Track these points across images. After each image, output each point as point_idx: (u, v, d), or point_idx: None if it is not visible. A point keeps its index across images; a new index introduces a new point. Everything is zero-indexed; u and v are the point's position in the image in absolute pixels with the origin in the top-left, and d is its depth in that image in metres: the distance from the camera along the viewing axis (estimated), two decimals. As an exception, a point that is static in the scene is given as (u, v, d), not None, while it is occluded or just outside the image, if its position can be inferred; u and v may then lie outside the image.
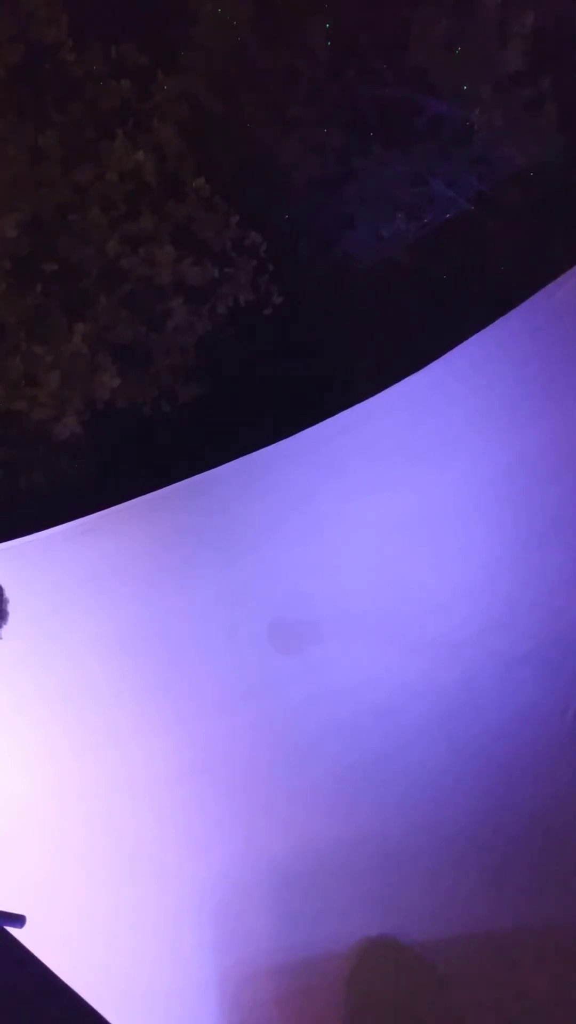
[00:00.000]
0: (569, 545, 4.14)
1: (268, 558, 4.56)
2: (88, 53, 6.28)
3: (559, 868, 3.62)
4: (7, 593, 3.22)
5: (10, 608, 3.25)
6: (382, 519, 4.43)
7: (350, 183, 7.30)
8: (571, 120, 6.74)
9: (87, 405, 6.25)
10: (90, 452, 7.02)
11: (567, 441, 4.24)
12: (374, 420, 4.61)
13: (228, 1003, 3.77)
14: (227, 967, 3.81)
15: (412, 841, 3.83)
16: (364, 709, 4.17)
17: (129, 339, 6.46)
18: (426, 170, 7.14)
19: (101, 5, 6.77)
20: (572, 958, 3.45)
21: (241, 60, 7.19)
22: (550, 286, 4.31)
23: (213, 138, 7.20)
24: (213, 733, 4.29)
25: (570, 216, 6.79)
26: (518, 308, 4.36)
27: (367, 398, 4.62)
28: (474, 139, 6.83)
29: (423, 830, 3.84)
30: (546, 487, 4.27)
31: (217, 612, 4.53)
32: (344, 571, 4.46)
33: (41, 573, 4.57)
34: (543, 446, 4.27)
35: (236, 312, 6.82)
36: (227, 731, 4.28)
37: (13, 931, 2.06)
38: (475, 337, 4.44)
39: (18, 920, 2.17)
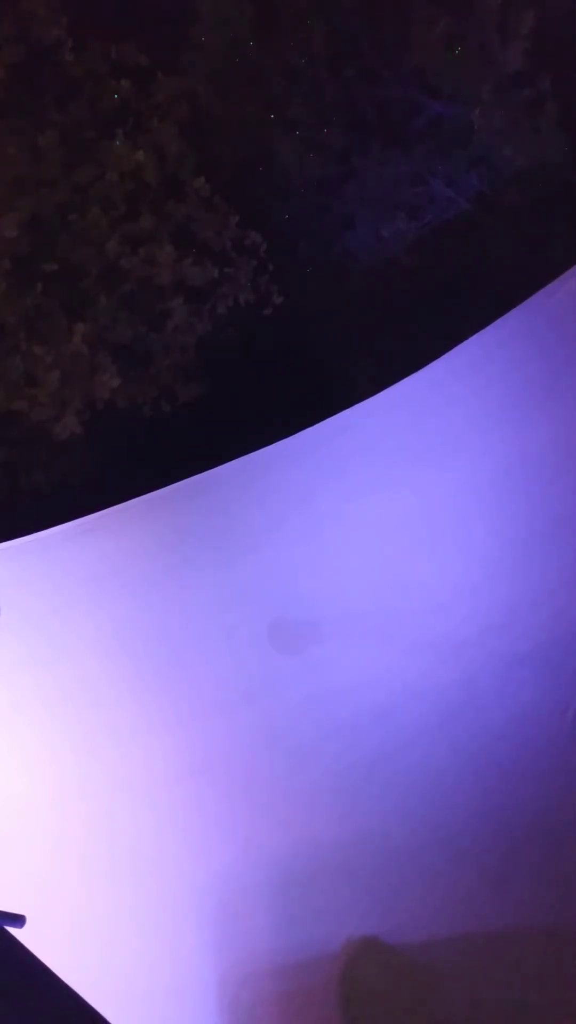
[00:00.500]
0: (569, 545, 4.14)
1: (268, 558, 4.56)
2: (88, 53, 6.28)
3: (559, 868, 3.62)
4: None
5: (8, 607, 3.25)
6: (382, 519, 4.43)
7: (350, 183, 7.29)
8: (571, 120, 6.74)
9: (87, 405, 6.25)
10: (90, 452, 7.02)
11: (567, 441, 4.24)
12: (374, 420, 4.61)
13: (228, 1003, 3.77)
14: (227, 967, 3.81)
15: (412, 841, 3.83)
16: (364, 709, 4.17)
17: (129, 339, 6.46)
18: (426, 170, 7.14)
19: (101, 5, 6.77)
20: (572, 958, 3.45)
21: (241, 60, 7.19)
22: (550, 286, 4.31)
23: (213, 138, 7.20)
24: (213, 733, 4.29)
25: (570, 216, 6.78)
26: (518, 308, 4.36)
27: (367, 398, 4.61)
28: (474, 139, 6.82)
29: (423, 830, 3.84)
30: (546, 487, 4.27)
31: (217, 612, 4.53)
32: (344, 571, 4.46)
33: (41, 573, 4.57)
34: (543, 446, 4.27)
35: (236, 312, 6.82)
36: (227, 731, 4.28)
37: (13, 931, 2.06)
38: (475, 337, 4.44)
39: (18, 920, 2.17)
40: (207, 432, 6.89)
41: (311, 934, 3.80)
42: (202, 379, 7.03)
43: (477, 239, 7.30)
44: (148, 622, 4.53)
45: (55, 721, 4.42)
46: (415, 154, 7.11)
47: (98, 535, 4.63)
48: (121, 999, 2.93)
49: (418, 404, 4.57)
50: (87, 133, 6.28)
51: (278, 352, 7.32)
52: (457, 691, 4.07)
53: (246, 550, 4.60)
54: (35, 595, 4.51)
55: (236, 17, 7.02)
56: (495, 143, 6.78)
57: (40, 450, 6.72)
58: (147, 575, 4.63)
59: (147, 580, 4.63)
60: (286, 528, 4.62)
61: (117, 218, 6.24)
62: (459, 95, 6.76)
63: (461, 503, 4.44)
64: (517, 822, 3.71)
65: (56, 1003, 1.84)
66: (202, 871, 4.01)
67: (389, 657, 4.24)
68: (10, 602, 4.28)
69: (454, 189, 7.17)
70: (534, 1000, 3.37)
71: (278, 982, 3.75)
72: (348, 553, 4.48)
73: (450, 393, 4.53)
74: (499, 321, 4.40)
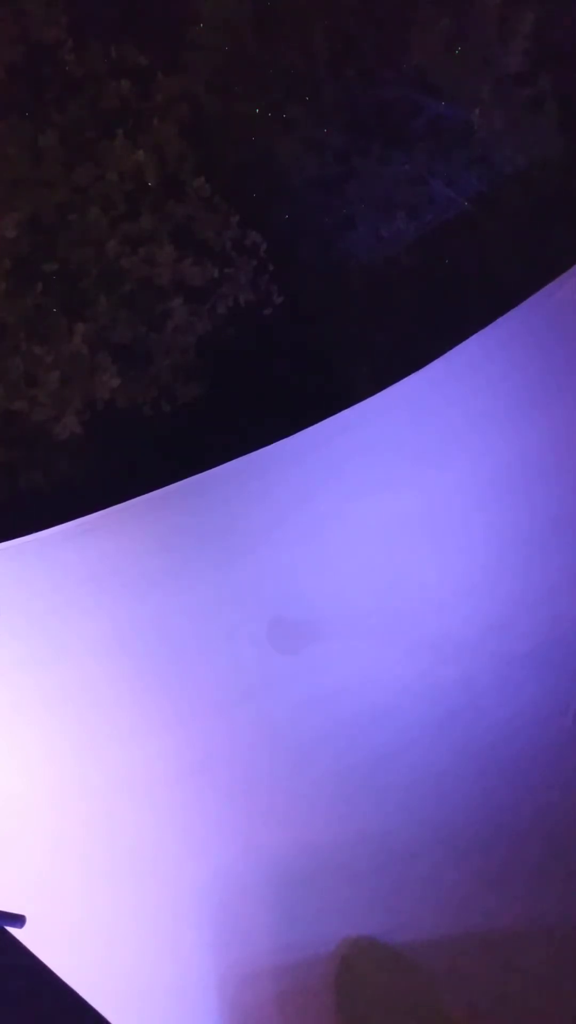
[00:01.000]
0: (569, 545, 4.14)
1: (268, 558, 4.56)
2: (88, 53, 6.28)
3: (559, 868, 3.62)
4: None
5: (8, 607, 3.25)
6: (382, 519, 4.43)
7: (350, 183, 7.29)
8: (571, 120, 6.74)
9: (87, 405, 6.25)
10: (90, 452, 7.01)
11: (567, 441, 4.24)
12: (374, 420, 4.61)
13: (228, 1003, 3.77)
14: (227, 967, 3.81)
15: (412, 841, 3.83)
16: (364, 709, 4.17)
17: (129, 339, 6.46)
18: (426, 170, 7.14)
19: (101, 5, 6.76)
20: (572, 958, 3.45)
21: (241, 60, 7.18)
22: (550, 286, 4.31)
23: (213, 138, 7.19)
24: (213, 733, 4.29)
25: (570, 216, 6.78)
26: (518, 308, 4.36)
27: (367, 398, 4.61)
28: (474, 139, 6.82)
29: (423, 830, 3.84)
30: (546, 487, 4.27)
31: (217, 612, 4.53)
32: (344, 571, 4.46)
33: (41, 573, 4.57)
34: (543, 446, 4.28)
35: (236, 312, 6.81)
36: (227, 731, 4.28)
37: (13, 931, 2.07)
38: (475, 337, 4.44)
39: (18, 920, 2.17)
40: (207, 432, 6.89)
41: (311, 934, 3.80)
42: (202, 379, 7.02)
43: (477, 239, 7.30)
44: (148, 622, 4.53)
45: (55, 721, 4.42)
46: (415, 154, 7.10)
47: (98, 535, 4.63)
48: (121, 999, 2.93)
49: (418, 404, 4.57)
50: (87, 133, 6.27)
51: (278, 352, 7.32)
52: (458, 691, 4.07)
53: (246, 550, 4.60)
54: (35, 595, 4.51)
55: (236, 17, 7.01)
56: (495, 143, 6.78)
57: (40, 450, 6.71)
58: (147, 575, 4.63)
59: (147, 580, 4.63)
60: (286, 528, 4.62)
61: (117, 218, 6.24)
62: (459, 95, 6.75)
63: (461, 503, 4.44)
64: (517, 822, 3.71)
65: (56, 1003, 1.84)
66: (202, 871, 4.01)
67: (389, 657, 4.24)
68: (10, 602, 4.29)
69: (454, 189, 7.17)
70: (534, 1000, 3.37)
71: (278, 982, 3.76)
72: (348, 553, 4.48)
73: (450, 393, 4.53)
74: (499, 321, 4.40)
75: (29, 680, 4.41)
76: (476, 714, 4.01)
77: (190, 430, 7.04)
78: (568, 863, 3.60)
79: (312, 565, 4.53)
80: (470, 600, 4.24)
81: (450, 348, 4.47)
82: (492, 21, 6.36)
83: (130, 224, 6.26)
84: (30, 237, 5.95)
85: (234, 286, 6.69)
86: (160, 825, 4.15)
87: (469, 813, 3.82)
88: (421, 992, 3.60)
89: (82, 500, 4.77)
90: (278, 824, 4.04)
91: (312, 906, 3.86)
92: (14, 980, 1.89)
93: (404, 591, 4.37)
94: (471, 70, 6.58)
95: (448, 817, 3.82)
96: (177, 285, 6.41)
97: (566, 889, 3.56)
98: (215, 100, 7.18)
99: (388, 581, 4.40)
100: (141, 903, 3.97)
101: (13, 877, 3.79)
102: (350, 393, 4.84)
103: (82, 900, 3.97)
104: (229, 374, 7.25)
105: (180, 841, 4.12)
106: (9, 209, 5.69)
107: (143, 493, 4.65)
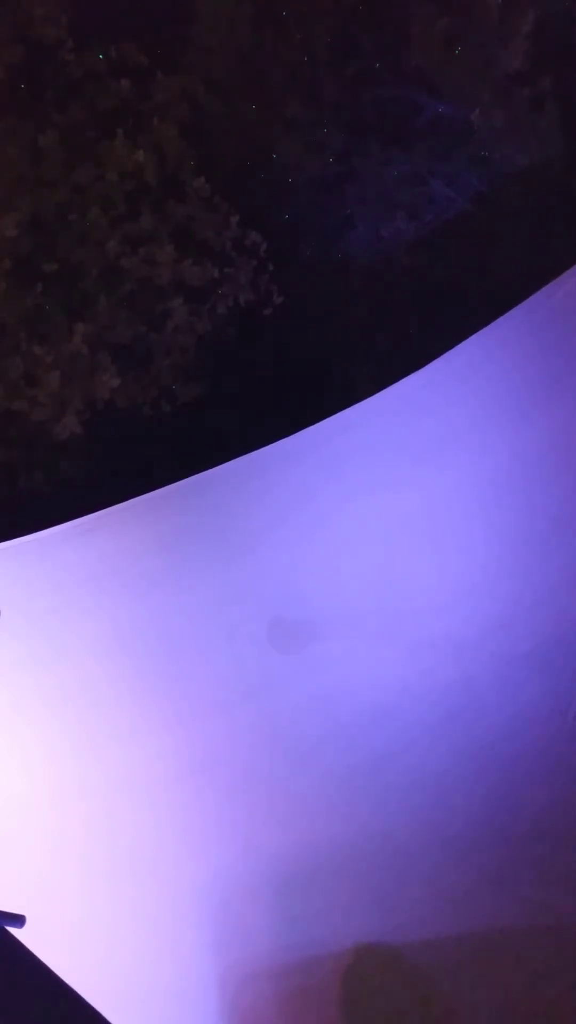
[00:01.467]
0: (569, 545, 4.14)
1: (268, 558, 4.56)
2: (88, 53, 6.29)
3: (560, 869, 3.62)
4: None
5: (8, 607, 3.25)
6: (382, 519, 4.43)
7: (350, 183, 7.30)
8: (571, 120, 6.74)
9: (87, 405, 6.26)
10: (90, 452, 7.02)
11: (567, 441, 4.23)
12: (374, 420, 4.61)
13: (228, 1003, 3.77)
14: (227, 967, 3.81)
15: (412, 842, 3.83)
16: (364, 709, 4.16)
17: (129, 339, 6.47)
18: (426, 170, 7.14)
19: (101, 5, 6.77)
20: (573, 958, 3.45)
21: (241, 60, 7.18)
22: (550, 286, 4.30)
23: (213, 138, 7.20)
24: (213, 733, 4.28)
25: (570, 216, 6.79)
26: (518, 308, 4.35)
27: (367, 398, 4.61)
28: (474, 139, 6.83)
29: (424, 831, 3.84)
30: (547, 486, 4.27)
31: (217, 612, 4.52)
32: (344, 571, 4.46)
33: (41, 573, 4.57)
34: (543, 446, 4.27)
35: (236, 312, 6.83)
36: (227, 731, 4.28)
37: (13, 931, 2.06)
38: (475, 337, 4.43)
39: (18, 920, 2.17)
40: (207, 432, 6.89)
41: (311, 934, 3.80)
42: (202, 379, 7.03)
43: (477, 239, 7.30)
44: (148, 622, 4.53)
45: (55, 721, 4.42)
46: (415, 154, 7.11)
47: (98, 535, 4.63)
48: (121, 999, 2.93)
49: (418, 404, 4.57)
50: (87, 133, 6.28)
51: (278, 352, 7.33)
52: (458, 691, 4.07)
53: (246, 549, 4.59)
54: (35, 595, 4.51)
55: (236, 17, 7.02)
56: (495, 143, 6.79)
57: (40, 450, 6.72)
58: (147, 575, 4.63)
59: (147, 580, 4.63)
60: (286, 528, 4.62)
61: (117, 218, 6.25)
62: (459, 95, 6.76)
63: (461, 503, 4.44)
64: (518, 822, 3.71)
65: (56, 1003, 1.84)
66: (202, 871, 4.01)
67: (390, 657, 4.23)
68: (10, 602, 4.28)
69: (454, 189, 7.17)
70: (536, 1000, 3.37)
71: (278, 982, 3.75)
72: (348, 553, 4.48)
73: (450, 393, 4.53)
74: (499, 321, 4.39)
75: (29, 680, 4.41)
76: (476, 714, 4.01)
77: (190, 430, 7.05)
78: (569, 863, 3.60)
79: (312, 565, 4.52)
80: (470, 600, 4.24)
81: (450, 348, 4.47)
82: (492, 21, 6.37)
83: (130, 224, 6.27)
84: (30, 237, 5.96)
85: (234, 286, 6.71)
86: (160, 825, 4.14)
87: (470, 813, 3.81)
88: (421, 992, 3.60)
89: (82, 500, 4.77)
90: (278, 824, 4.04)
91: (312, 906, 3.86)
92: (14, 980, 1.89)
93: (404, 591, 4.37)
94: (471, 70, 6.59)
95: (449, 817, 3.82)
96: (177, 285, 6.42)
97: (567, 888, 3.56)
98: (215, 100, 7.19)
99: (388, 581, 4.40)
100: (141, 903, 3.97)
101: (13, 877, 3.79)
102: (350, 393, 4.84)
103: (82, 900, 3.97)
104: (229, 374, 7.25)
105: (180, 841, 4.12)
106: (9, 209, 5.69)
107: (143, 493, 4.65)
